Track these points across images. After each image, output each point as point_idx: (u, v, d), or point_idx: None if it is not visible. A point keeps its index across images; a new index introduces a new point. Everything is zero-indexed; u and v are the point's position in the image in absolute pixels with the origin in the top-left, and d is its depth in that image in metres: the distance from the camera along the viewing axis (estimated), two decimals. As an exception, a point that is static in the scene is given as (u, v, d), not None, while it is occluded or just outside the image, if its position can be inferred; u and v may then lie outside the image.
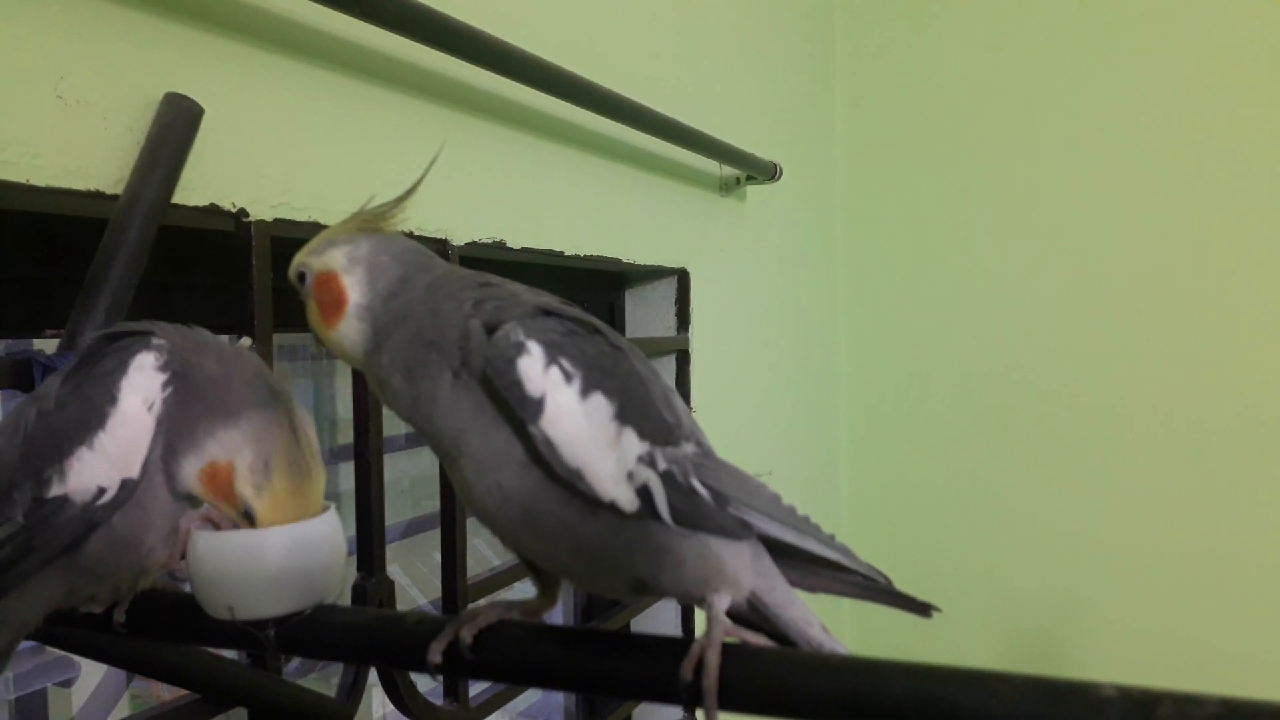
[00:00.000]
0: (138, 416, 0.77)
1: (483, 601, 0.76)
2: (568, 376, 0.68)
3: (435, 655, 0.72)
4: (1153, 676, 2.54)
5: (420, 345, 0.71)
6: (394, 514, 1.84)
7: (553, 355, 0.68)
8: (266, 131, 1.22)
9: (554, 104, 1.66)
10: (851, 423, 3.45)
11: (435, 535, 1.57)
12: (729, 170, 2.51)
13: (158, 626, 0.84)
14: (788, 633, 0.75)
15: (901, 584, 0.84)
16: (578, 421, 0.67)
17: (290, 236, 1.25)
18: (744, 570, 0.73)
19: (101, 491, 0.76)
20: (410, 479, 2.47)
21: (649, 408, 0.71)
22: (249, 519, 0.79)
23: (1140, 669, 3.00)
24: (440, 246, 1.49)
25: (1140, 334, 3.01)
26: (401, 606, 1.84)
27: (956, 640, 3.07)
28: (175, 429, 0.79)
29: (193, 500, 0.83)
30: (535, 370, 0.67)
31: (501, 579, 1.63)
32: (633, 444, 0.68)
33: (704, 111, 2.23)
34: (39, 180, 0.97)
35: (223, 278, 1.20)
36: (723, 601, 0.70)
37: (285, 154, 1.24)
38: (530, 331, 0.69)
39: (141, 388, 0.77)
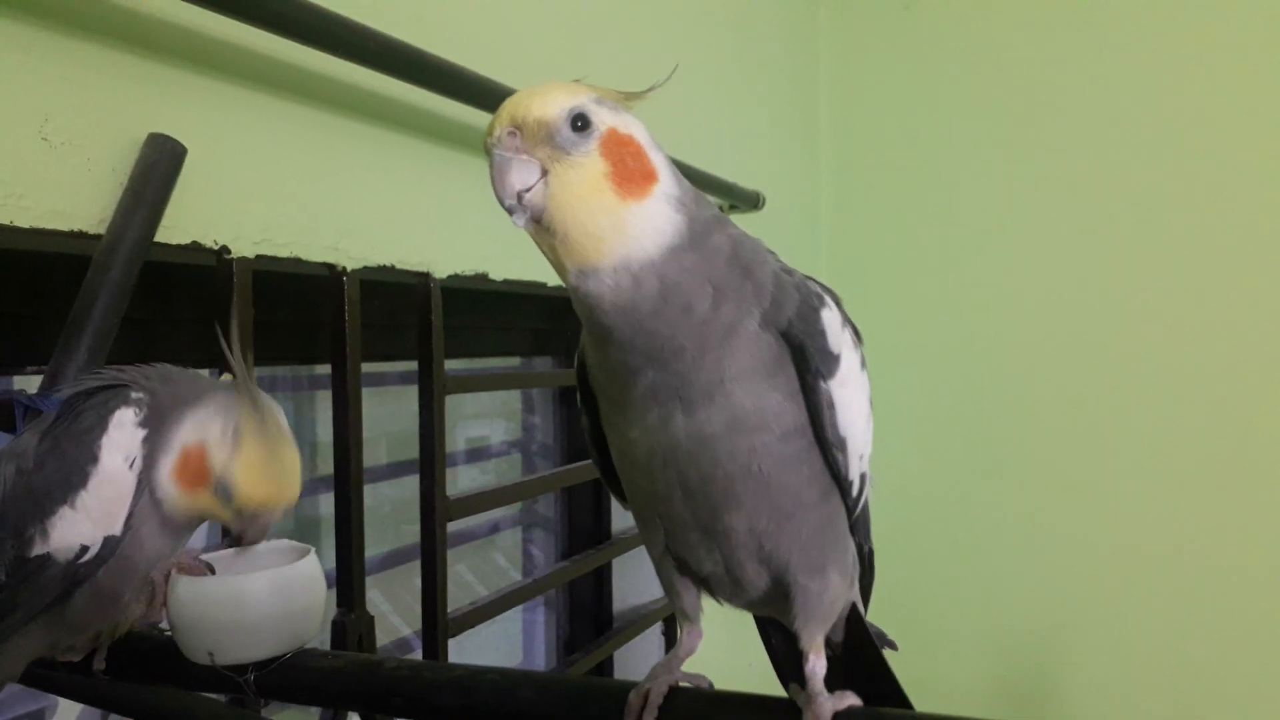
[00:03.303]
0: (119, 474, 0.77)
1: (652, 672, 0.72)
2: (856, 341, 0.72)
3: None
4: (1142, 708, 2.53)
5: (737, 270, 0.66)
6: (377, 541, 1.84)
7: (846, 317, 0.71)
8: (249, 169, 1.23)
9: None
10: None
11: (418, 564, 1.57)
12: (712, 199, 2.52)
13: (138, 671, 0.85)
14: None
15: (889, 617, 0.86)
16: (859, 389, 0.70)
17: (272, 271, 1.26)
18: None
19: (84, 549, 0.76)
20: (392, 503, 2.46)
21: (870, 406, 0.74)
22: (228, 499, 0.79)
23: (1130, 702, 3.01)
24: (422, 279, 1.50)
25: (1134, 363, 3.01)
26: (384, 637, 1.84)
27: (942, 672, 3.07)
28: (153, 450, 0.80)
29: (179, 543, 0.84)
30: (835, 326, 0.69)
31: (485, 611, 1.63)
32: (871, 432, 0.72)
33: (686, 141, 2.25)
34: (24, 221, 0.98)
35: (205, 313, 1.21)
36: (822, 665, 0.71)
37: (267, 191, 1.25)
38: (827, 290, 0.71)
39: (122, 445, 0.77)
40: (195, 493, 0.80)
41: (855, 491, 0.72)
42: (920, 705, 0.75)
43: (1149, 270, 2.98)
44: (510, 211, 0.62)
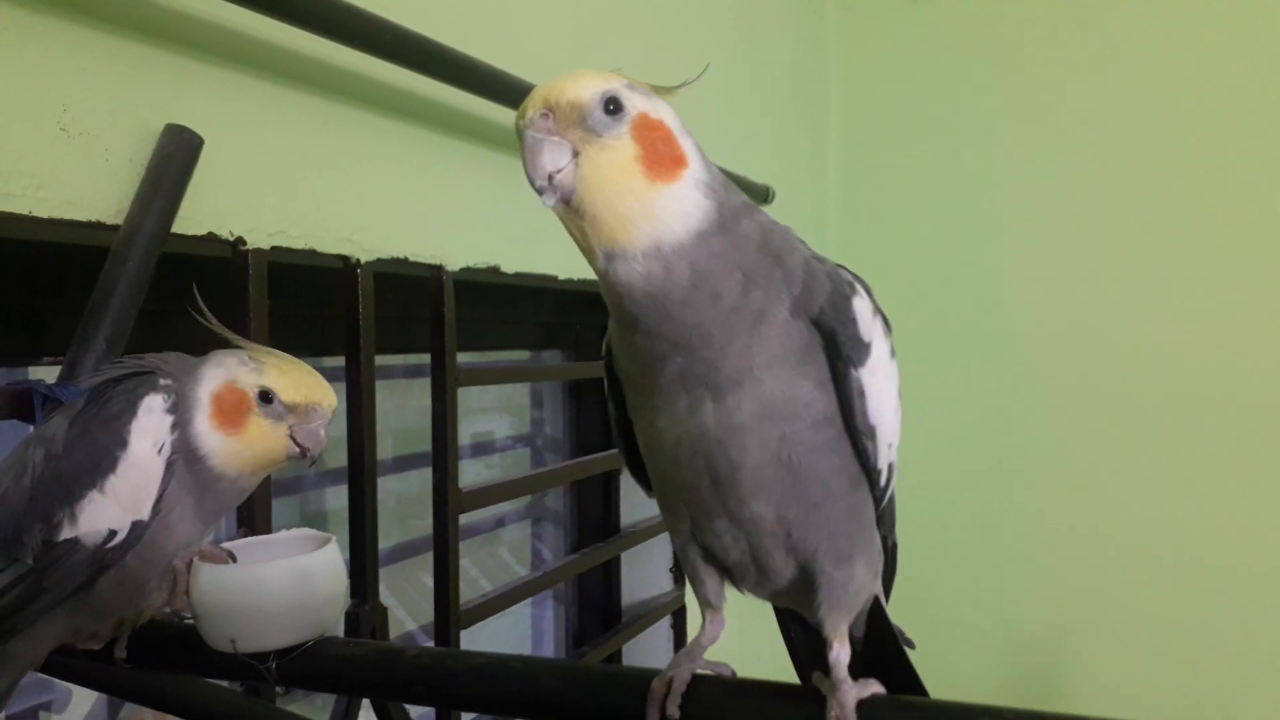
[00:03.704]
0: (148, 459, 0.77)
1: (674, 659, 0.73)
2: (886, 330, 0.72)
3: None
4: (1153, 704, 2.52)
5: (767, 257, 0.65)
6: (382, 535, 1.84)
7: (876, 305, 0.71)
8: (265, 160, 1.23)
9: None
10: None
11: (422, 558, 1.57)
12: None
13: (158, 659, 0.85)
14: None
15: (902, 612, 0.86)
16: (889, 378, 0.70)
17: (286, 263, 1.26)
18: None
19: (112, 534, 0.76)
20: (397, 498, 2.48)
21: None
22: (274, 406, 0.82)
23: (1141, 699, 3.01)
24: (435, 272, 1.50)
25: (1146, 362, 3.00)
26: (391, 631, 1.84)
27: (953, 666, 3.07)
28: (184, 430, 0.81)
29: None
30: (866, 314, 0.68)
31: (496, 603, 1.63)
32: (899, 422, 0.72)
33: (694, 134, 2.25)
34: (42, 212, 0.98)
35: (221, 304, 1.21)
36: (846, 653, 0.71)
37: (283, 182, 1.25)
38: (858, 278, 0.71)
39: (151, 431, 0.78)
40: (243, 427, 0.81)
41: (883, 481, 0.72)
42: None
43: (1160, 268, 2.97)
44: (540, 192, 0.62)
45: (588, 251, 0.64)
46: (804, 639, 0.83)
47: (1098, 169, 3.04)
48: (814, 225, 3.32)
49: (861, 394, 0.67)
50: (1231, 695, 2.92)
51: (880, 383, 0.68)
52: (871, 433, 0.68)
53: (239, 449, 0.81)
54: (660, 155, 0.63)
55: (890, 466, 0.72)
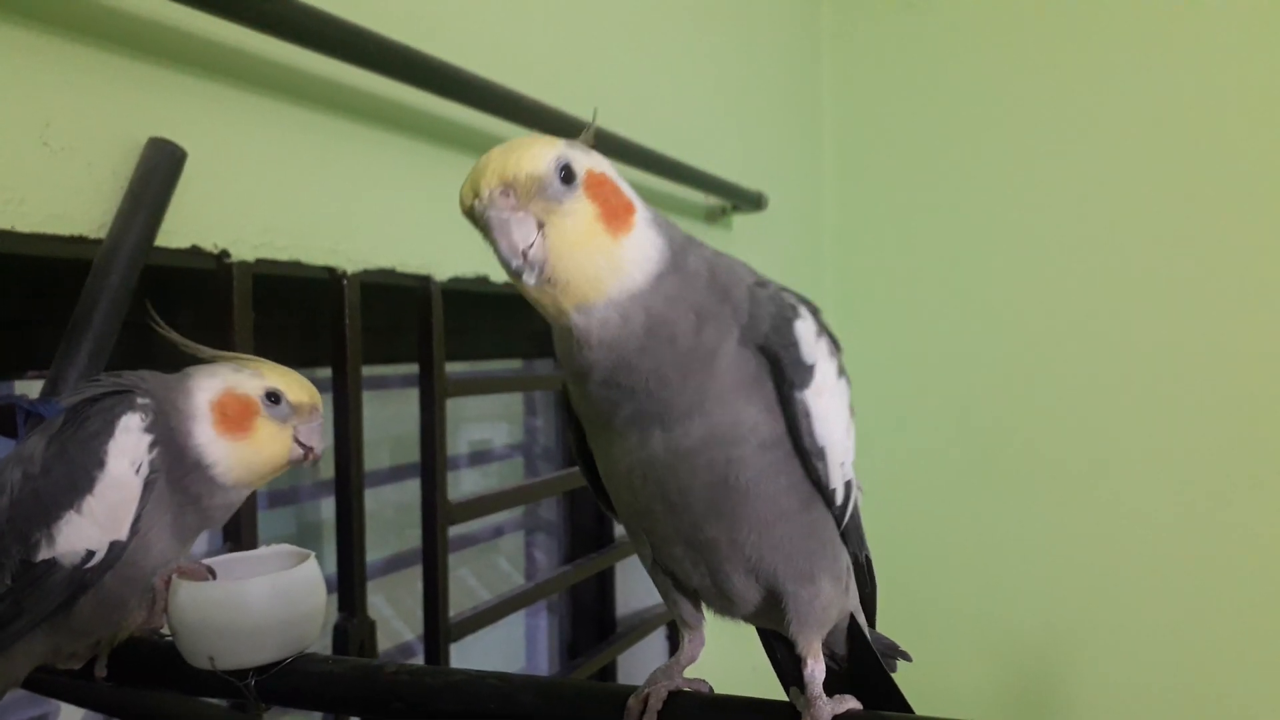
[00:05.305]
0: (125, 479, 0.77)
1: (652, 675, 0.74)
2: (833, 350, 0.71)
3: None
4: (1149, 716, 2.51)
5: (716, 293, 0.66)
6: (379, 545, 1.84)
7: (822, 327, 0.71)
8: (249, 172, 1.23)
9: (538, 140, 1.67)
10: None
11: (420, 568, 1.57)
12: (715, 200, 2.53)
13: (139, 676, 0.85)
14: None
15: (896, 626, 0.85)
16: (836, 399, 0.70)
17: (272, 274, 1.26)
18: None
19: (90, 555, 0.76)
20: (395, 507, 2.46)
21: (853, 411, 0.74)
22: (282, 406, 0.83)
23: (1137, 710, 3.01)
24: (422, 283, 1.50)
25: (1141, 368, 3.00)
26: (387, 641, 1.83)
27: (950, 678, 3.06)
28: (170, 445, 0.80)
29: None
30: (809, 336, 0.68)
31: (487, 615, 1.62)
32: (852, 440, 0.72)
33: (689, 142, 2.25)
34: (24, 226, 0.98)
35: (206, 316, 1.21)
36: (820, 669, 0.71)
37: (267, 194, 1.25)
38: (803, 301, 0.71)
39: (129, 450, 0.77)
40: (249, 430, 0.81)
41: (840, 499, 0.71)
42: (926, 713, 0.74)
43: (1150, 274, 2.98)
44: (519, 273, 0.61)
45: (557, 313, 0.64)
46: (787, 657, 0.83)
47: (1095, 176, 3.04)
48: (809, 231, 3.31)
49: (807, 415, 0.67)
50: (1231, 706, 2.91)
51: (826, 403, 0.68)
52: (820, 453, 0.68)
53: (247, 453, 0.82)
54: (614, 208, 0.64)
55: (848, 485, 0.72)
